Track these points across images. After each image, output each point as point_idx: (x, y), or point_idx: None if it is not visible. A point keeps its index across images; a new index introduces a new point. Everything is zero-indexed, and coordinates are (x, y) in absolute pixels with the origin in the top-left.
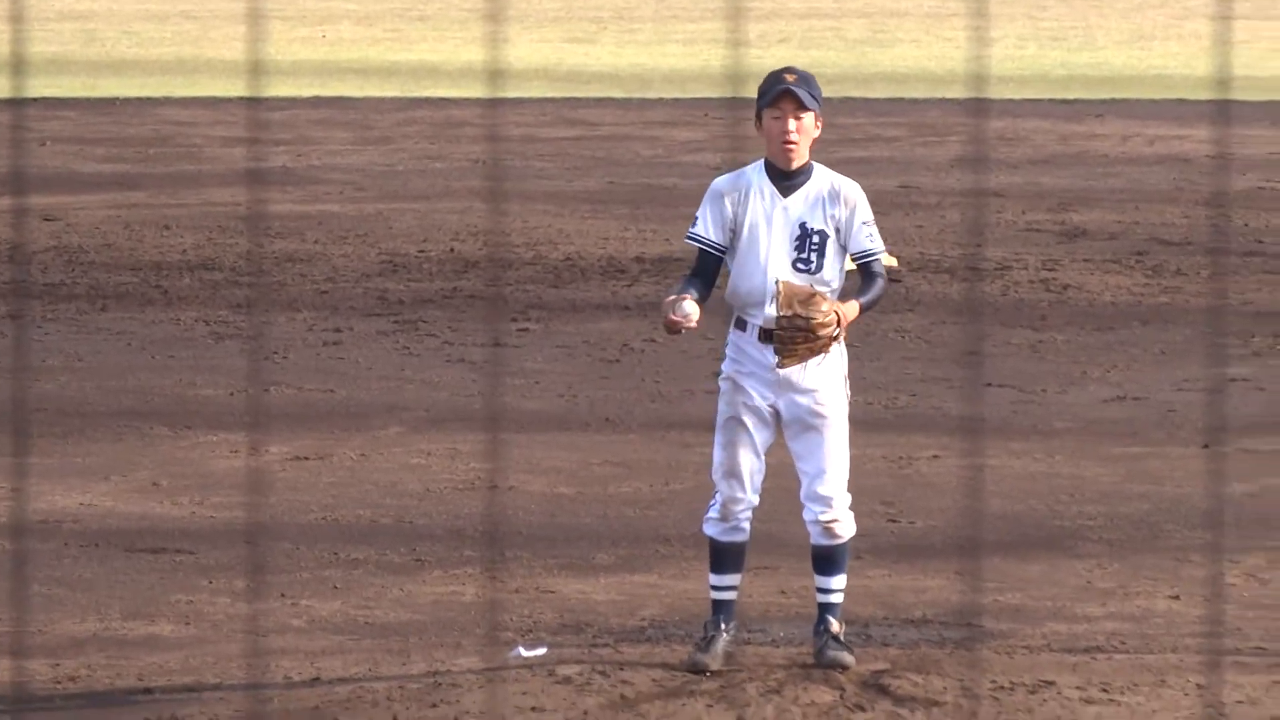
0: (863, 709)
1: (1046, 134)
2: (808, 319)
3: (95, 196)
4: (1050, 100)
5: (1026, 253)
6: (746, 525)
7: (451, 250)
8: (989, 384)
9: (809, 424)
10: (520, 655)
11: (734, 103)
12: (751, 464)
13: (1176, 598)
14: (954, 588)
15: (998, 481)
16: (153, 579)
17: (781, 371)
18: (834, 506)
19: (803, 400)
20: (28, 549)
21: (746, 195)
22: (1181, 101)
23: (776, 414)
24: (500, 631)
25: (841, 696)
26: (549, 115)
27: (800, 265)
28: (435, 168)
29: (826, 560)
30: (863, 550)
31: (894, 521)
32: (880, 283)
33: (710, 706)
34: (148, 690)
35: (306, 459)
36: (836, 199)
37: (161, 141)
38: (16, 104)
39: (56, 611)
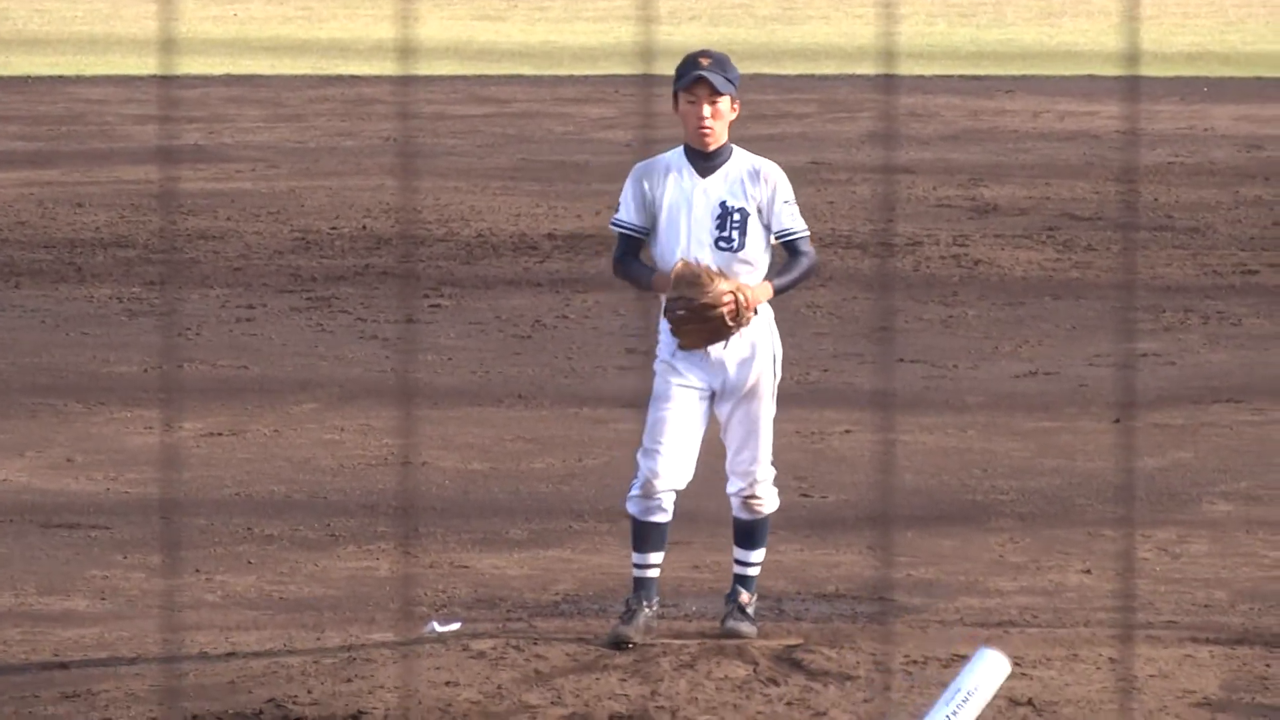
0: (776, 683)
1: (957, 110)
2: (691, 300)
3: (8, 174)
4: (960, 76)
5: (938, 228)
6: (669, 505)
7: (364, 227)
8: (901, 359)
9: (737, 399)
10: (435, 630)
11: (645, 79)
12: (675, 444)
13: (1088, 572)
14: (866, 562)
15: (910, 456)
16: (68, 554)
17: (712, 354)
18: (757, 481)
19: (734, 377)
20: None
21: (665, 177)
22: (1091, 77)
23: (712, 395)
24: (414, 606)
25: (755, 671)
26: (460, 93)
27: (723, 244)
28: (347, 145)
29: (746, 534)
30: (775, 525)
31: (806, 496)
32: (805, 261)
33: (624, 680)
34: (63, 665)
35: (220, 435)
36: (756, 178)
37: (74, 119)
38: None
39: None
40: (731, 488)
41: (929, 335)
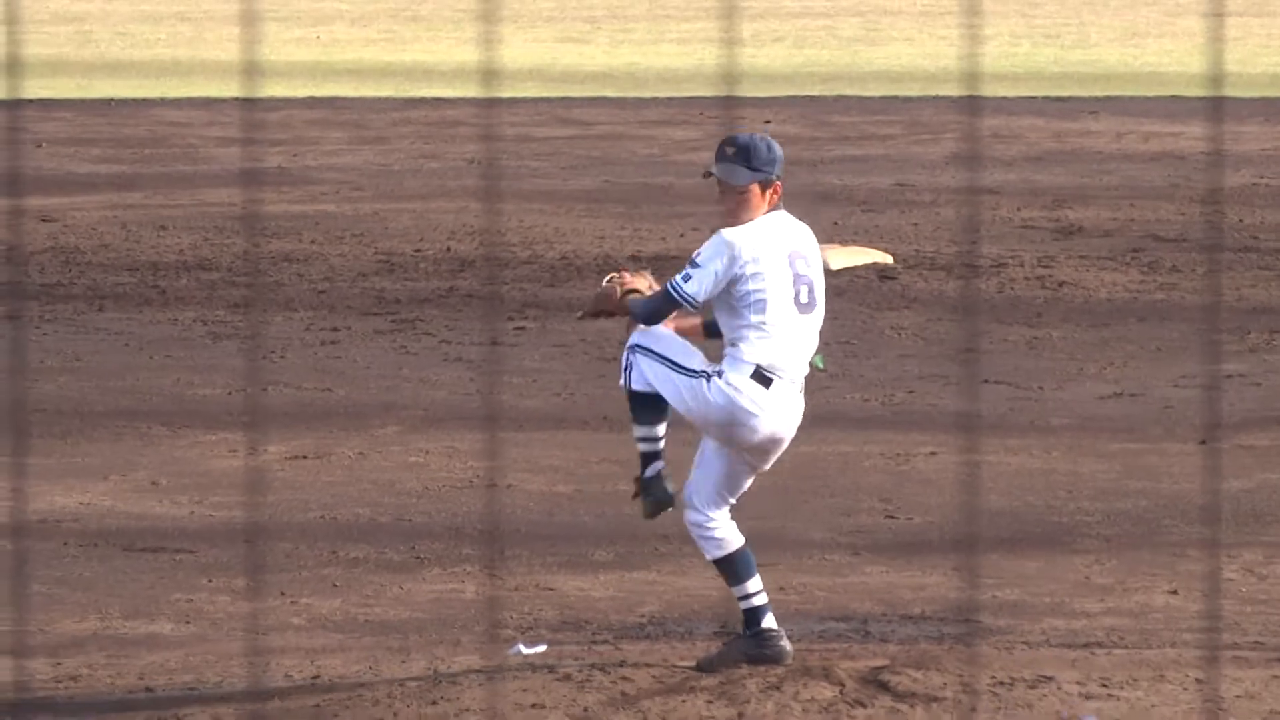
0: (863, 705)
1: (1041, 131)
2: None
3: (92, 197)
4: (1044, 98)
5: (1022, 250)
6: None
7: (448, 250)
8: (986, 381)
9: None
10: (520, 652)
11: (729, 101)
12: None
13: (1175, 593)
14: (952, 584)
15: (995, 478)
16: (152, 578)
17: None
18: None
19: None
20: (28, 548)
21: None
22: (1175, 98)
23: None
24: (500, 629)
25: (841, 693)
26: (544, 115)
27: None
28: (430, 167)
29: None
30: (860, 547)
31: (892, 518)
32: (646, 300)
33: (710, 703)
34: (149, 689)
35: (305, 458)
36: None
37: (157, 142)
38: (12, 105)
39: (57, 610)
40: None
41: (1014, 357)
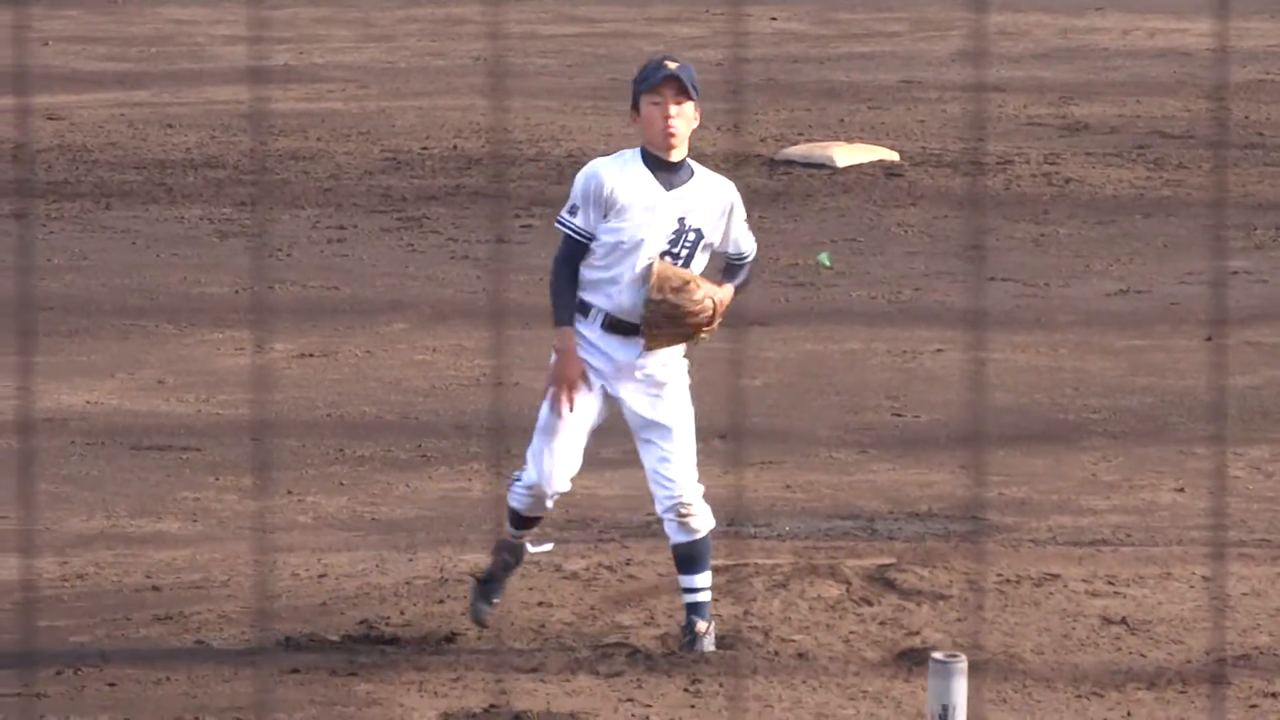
0: (869, 603)
1: (1047, 28)
2: (677, 306)
3: (99, 95)
4: None
5: (1028, 147)
6: (551, 505)
7: (454, 147)
8: (992, 278)
9: (652, 412)
10: (527, 551)
11: None
12: (571, 451)
13: (1181, 490)
14: (959, 481)
15: (1001, 375)
16: (159, 476)
17: (639, 359)
18: (686, 492)
19: (644, 388)
20: (35, 447)
21: (629, 181)
22: None
23: (609, 403)
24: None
25: (848, 590)
26: (550, 12)
27: (669, 260)
28: (437, 65)
29: (687, 558)
30: (867, 444)
31: (898, 416)
32: (747, 270)
33: (717, 600)
34: (155, 587)
35: (312, 356)
36: (717, 199)
37: (164, 40)
38: (19, 3)
39: (64, 509)
40: (660, 507)
41: (1020, 254)
